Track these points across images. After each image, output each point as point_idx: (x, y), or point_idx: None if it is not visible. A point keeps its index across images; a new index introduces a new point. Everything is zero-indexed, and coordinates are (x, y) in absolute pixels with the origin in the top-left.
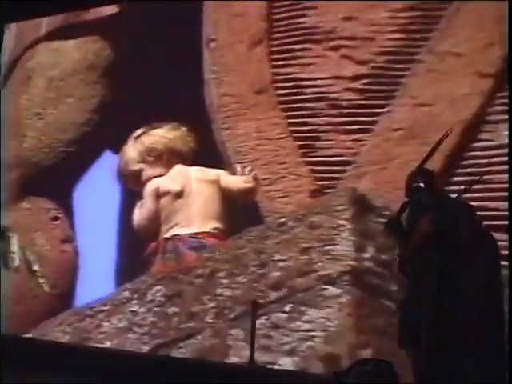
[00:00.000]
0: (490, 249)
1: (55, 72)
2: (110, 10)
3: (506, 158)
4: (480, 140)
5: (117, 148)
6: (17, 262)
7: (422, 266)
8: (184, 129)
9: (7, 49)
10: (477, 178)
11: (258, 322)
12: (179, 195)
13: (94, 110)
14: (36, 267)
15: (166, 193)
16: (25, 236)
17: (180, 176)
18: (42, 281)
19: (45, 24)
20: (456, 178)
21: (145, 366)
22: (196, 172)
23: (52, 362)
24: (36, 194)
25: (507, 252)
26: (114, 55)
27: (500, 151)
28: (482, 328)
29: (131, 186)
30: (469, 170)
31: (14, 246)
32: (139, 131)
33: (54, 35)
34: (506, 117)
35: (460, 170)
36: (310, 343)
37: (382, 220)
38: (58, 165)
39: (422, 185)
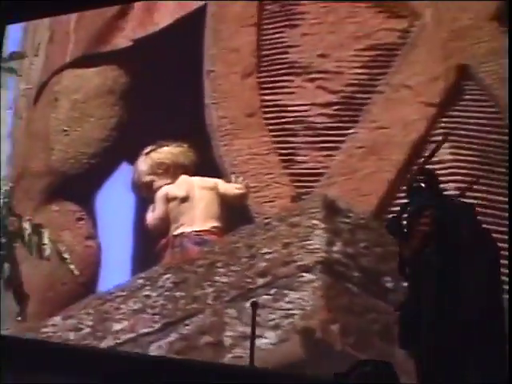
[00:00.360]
0: (490, 249)
1: (79, 95)
2: (126, 43)
3: (449, 171)
4: (424, 157)
5: (132, 160)
6: (48, 252)
7: (422, 267)
8: (186, 145)
9: (36, 76)
10: (475, 179)
11: (248, 303)
12: (184, 200)
13: (113, 128)
14: (66, 255)
15: (174, 198)
16: (54, 233)
17: (185, 184)
18: (71, 266)
19: (69, 53)
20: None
21: (145, 366)
22: (198, 181)
23: (52, 362)
24: (63, 199)
25: (507, 252)
26: (129, 82)
27: (441, 165)
28: (482, 328)
29: (144, 195)
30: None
31: (46, 238)
32: (149, 148)
33: (77, 63)
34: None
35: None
36: (290, 320)
37: (348, 220)
38: (82, 174)
39: (422, 185)
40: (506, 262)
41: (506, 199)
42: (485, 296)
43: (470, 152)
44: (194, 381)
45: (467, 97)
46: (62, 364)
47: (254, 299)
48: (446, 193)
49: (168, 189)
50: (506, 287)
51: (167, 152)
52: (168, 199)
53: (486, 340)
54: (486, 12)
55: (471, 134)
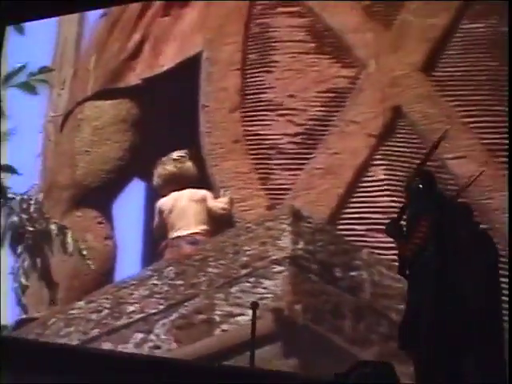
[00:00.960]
0: (489, 249)
1: (98, 122)
2: (136, 80)
3: (383, 187)
4: (367, 176)
5: (141, 176)
6: (70, 249)
7: (421, 268)
8: (187, 161)
9: (63, 106)
10: (470, 181)
11: (233, 289)
12: (173, 210)
13: (126, 150)
14: (85, 252)
15: (168, 209)
16: (79, 234)
17: (173, 198)
18: (88, 262)
19: (90, 88)
20: (352, 204)
21: (144, 366)
22: (188, 193)
23: (52, 362)
24: (86, 206)
25: (507, 253)
26: (139, 113)
27: (379, 183)
28: (482, 328)
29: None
30: (361, 196)
31: (69, 238)
32: (166, 158)
33: (97, 96)
34: (384, 162)
35: (355, 198)
36: (264, 301)
37: (309, 225)
38: (101, 186)
39: (420, 186)
40: (505, 261)
41: (506, 199)
42: (484, 296)
43: (400, 173)
44: (194, 381)
45: (400, 130)
46: (62, 364)
47: (255, 300)
48: (445, 194)
49: (160, 203)
50: (506, 287)
51: (176, 165)
52: (160, 211)
53: (485, 340)
54: (415, 65)
55: (401, 158)
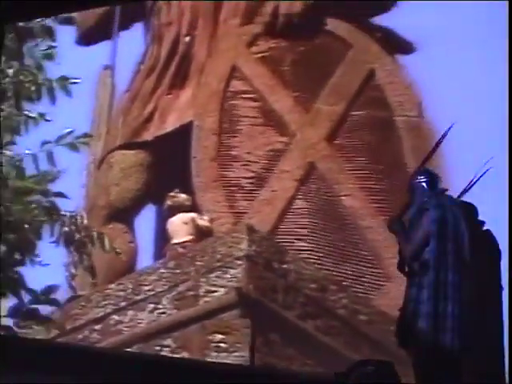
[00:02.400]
0: (491, 248)
1: (124, 165)
2: (150, 137)
3: (304, 212)
4: (293, 204)
5: (154, 202)
6: (107, 247)
7: (422, 265)
8: (183, 195)
9: (99, 152)
10: (474, 181)
11: (211, 275)
12: (173, 227)
13: (143, 184)
14: (118, 250)
15: (169, 227)
16: (111, 241)
17: (173, 220)
18: (120, 256)
19: (118, 141)
20: (284, 222)
21: (144, 365)
22: (181, 216)
23: (52, 362)
24: (116, 221)
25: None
26: (152, 159)
27: (300, 209)
28: (482, 327)
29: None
30: (290, 217)
31: (106, 241)
32: (171, 193)
33: (123, 147)
34: (303, 196)
35: (286, 218)
36: (230, 283)
37: (258, 235)
38: (126, 208)
39: (423, 184)
40: (506, 261)
41: (507, 200)
42: (485, 295)
43: (313, 202)
44: (194, 381)
45: (313, 177)
46: (61, 364)
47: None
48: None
49: (169, 222)
50: (506, 287)
51: (181, 197)
52: (167, 228)
53: (485, 339)
54: (323, 136)
55: (315, 195)
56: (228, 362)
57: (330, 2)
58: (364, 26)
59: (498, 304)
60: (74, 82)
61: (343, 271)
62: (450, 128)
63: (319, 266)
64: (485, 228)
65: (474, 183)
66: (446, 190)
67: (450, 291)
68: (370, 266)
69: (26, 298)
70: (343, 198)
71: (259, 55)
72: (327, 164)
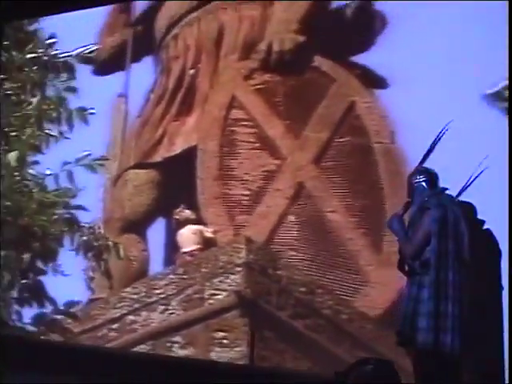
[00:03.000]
0: (491, 247)
1: (136, 182)
2: (159, 158)
3: (294, 226)
4: (285, 220)
5: (163, 215)
6: (121, 256)
7: (422, 264)
8: (188, 211)
9: (115, 171)
10: (471, 180)
11: (215, 280)
12: (183, 238)
13: (153, 199)
14: (132, 257)
15: (178, 238)
16: (126, 249)
17: (183, 231)
18: (134, 263)
19: (131, 161)
20: (278, 235)
21: (145, 365)
22: (190, 227)
23: (52, 361)
24: (130, 232)
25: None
26: (161, 178)
27: (291, 224)
28: (482, 327)
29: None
30: (283, 231)
31: (121, 250)
32: (178, 209)
33: (135, 166)
34: (295, 213)
35: (279, 232)
36: (231, 287)
37: (255, 245)
38: (139, 221)
39: (423, 183)
40: (506, 260)
41: (507, 199)
42: (485, 295)
43: (303, 218)
44: (194, 380)
45: (302, 196)
46: (61, 364)
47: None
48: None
49: (178, 234)
50: (507, 286)
51: (186, 212)
52: (177, 239)
53: (484, 339)
54: (311, 159)
55: (304, 211)
56: (229, 355)
57: (316, 41)
58: (345, 64)
59: (498, 304)
60: (91, 113)
61: (328, 277)
62: (445, 127)
63: (308, 272)
64: (485, 227)
65: (471, 182)
66: (447, 188)
67: (451, 291)
68: (351, 272)
69: (49, 307)
70: (328, 213)
71: (255, 87)
72: (314, 184)
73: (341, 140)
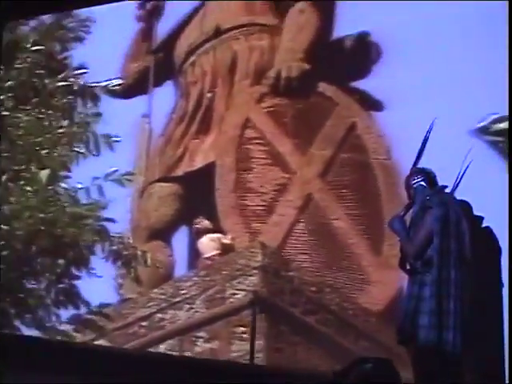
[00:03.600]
0: (490, 245)
1: (161, 194)
2: (181, 173)
3: (303, 231)
4: (296, 227)
5: (185, 224)
6: (148, 263)
7: (425, 263)
8: (207, 221)
9: (140, 185)
10: (459, 177)
11: (234, 281)
12: (203, 245)
13: (176, 210)
14: (158, 265)
15: (200, 245)
16: (153, 254)
17: (203, 239)
18: (160, 269)
19: (156, 175)
20: (289, 240)
21: (145, 364)
22: (210, 236)
23: (52, 361)
24: (156, 239)
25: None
26: (183, 190)
27: (300, 230)
28: (482, 325)
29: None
30: (294, 237)
31: (148, 258)
32: (198, 219)
33: (159, 180)
34: (303, 220)
35: (291, 238)
36: (249, 287)
37: (268, 250)
38: (164, 229)
39: (422, 183)
40: (506, 260)
41: (506, 198)
42: (485, 292)
43: (309, 226)
44: (194, 378)
45: (309, 206)
46: (61, 364)
47: (253, 297)
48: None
49: (199, 242)
50: (507, 285)
51: (205, 222)
52: (198, 247)
53: (485, 337)
54: (317, 173)
55: (311, 219)
56: (248, 348)
57: (320, 69)
58: (346, 89)
59: (499, 301)
60: (116, 141)
61: (335, 277)
62: (432, 124)
63: (316, 273)
64: (484, 224)
65: (460, 179)
66: (446, 186)
67: (453, 289)
68: (354, 273)
69: (83, 309)
70: (333, 221)
71: (267, 110)
72: (321, 195)
73: (343, 156)
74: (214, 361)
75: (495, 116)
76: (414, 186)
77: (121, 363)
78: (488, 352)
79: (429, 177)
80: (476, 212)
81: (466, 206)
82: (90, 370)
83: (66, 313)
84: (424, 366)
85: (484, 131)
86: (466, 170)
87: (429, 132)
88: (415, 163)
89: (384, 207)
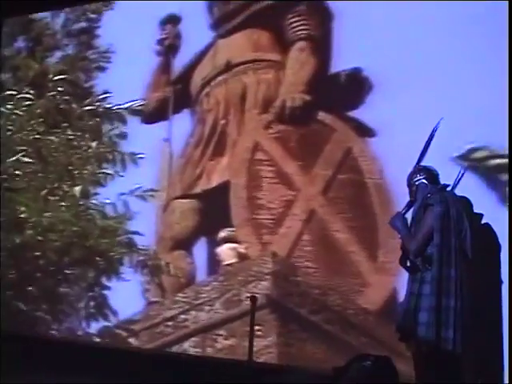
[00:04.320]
0: (490, 242)
1: (182, 209)
2: (199, 190)
3: (306, 241)
4: (302, 238)
5: (205, 235)
6: (172, 272)
7: (426, 260)
8: (230, 232)
9: (163, 200)
10: (461, 174)
11: (249, 285)
12: (223, 254)
13: (197, 221)
14: (179, 273)
15: (219, 254)
16: (176, 262)
17: (221, 249)
18: (181, 278)
19: (177, 193)
20: (296, 250)
21: (145, 364)
22: (228, 245)
23: (52, 361)
24: (179, 249)
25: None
26: (201, 206)
27: (305, 241)
28: (481, 325)
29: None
30: (300, 247)
31: (171, 268)
32: (224, 231)
33: (180, 197)
34: (308, 231)
35: (298, 247)
36: (262, 291)
37: (279, 258)
38: (186, 239)
39: (424, 181)
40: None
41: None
42: (485, 289)
43: (312, 236)
44: (194, 377)
45: (312, 220)
46: (61, 364)
47: (253, 294)
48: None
49: (220, 250)
50: (506, 281)
51: (226, 232)
52: (218, 255)
53: (485, 338)
54: (320, 191)
55: (317, 232)
56: (263, 343)
57: (320, 99)
58: (343, 118)
59: (498, 299)
60: (141, 157)
61: (336, 281)
62: (437, 124)
63: (320, 278)
64: (484, 221)
65: (460, 178)
66: (448, 185)
67: (453, 286)
68: (354, 277)
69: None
70: (334, 232)
71: (273, 135)
72: (323, 210)
73: (341, 177)
74: (215, 361)
75: (472, 145)
76: (416, 183)
77: (122, 364)
78: (487, 349)
79: (431, 175)
80: (476, 209)
81: (466, 202)
82: (91, 369)
83: (96, 324)
84: (425, 362)
85: (463, 158)
86: (464, 174)
87: (434, 131)
88: (419, 161)
89: (378, 220)
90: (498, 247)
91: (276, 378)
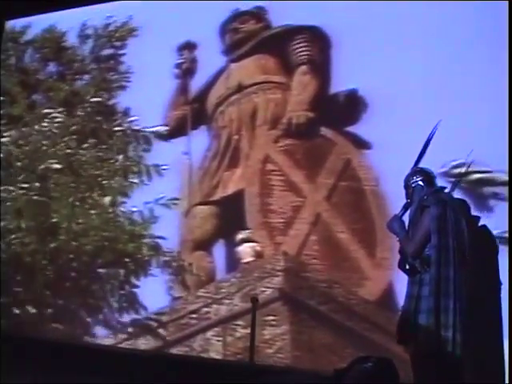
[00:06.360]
0: (488, 244)
1: (202, 215)
2: (217, 197)
3: (313, 243)
4: (308, 240)
5: (223, 238)
6: (194, 272)
7: (424, 262)
8: (248, 234)
9: (184, 208)
10: (460, 177)
11: (263, 281)
12: (242, 253)
13: (214, 225)
14: (201, 272)
15: (239, 253)
16: (197, 264)
17: (240, 248)
18: (202, 277)
19: (197, 200)
20: (305, 250)
21: (145, 364)
22: (244, 245)
23: (52, 362)
24: (199, 250)
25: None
26: (219, 211)
27: (311, 243)
28: (481, 324)
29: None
30: (308, 248)
31: (194, 268)
32: (242, 233)
33: (200, 203)
34: (313, 235)
35: (305, 247)
36: (276, 286)
37: (289, 256)
38: (205, 241)
39: (420, 183)
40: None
41: (506, 196)
42: (484, 291)
43: (319, 237)
44: (194, 377)
45: (319, 225)
46: (62, 364)
47: (255, 295)
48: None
49: (239, 249)
50: (506, 282)
51: (245, 233)
52: (238, 253)
53: (485, 338)
54: (324, 197)
55: (321, 236)
56: (276, 332)
57: (322, 116)
58: (342, 132)
59: (496, 301)
60: (164, 169)
61: (341, 276)
62: (436, 126)
63: (327, 274)
64: (481, 223)
65: (460, 179)
66: (444, 187)
67: (452, 287)
68: (355, 272)
69: (142, 313)
70: (338, 233)
71: (282, 149)
72: (327, 214)
73: (342, 184)
74: (214, 360)
75: (455, 162)
76: (413, 185)
77: (122, 364)
78: (487, 350)
79: (428, 177)
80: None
81: (463, 204)
82: (90, 369)
83: (127, 317)
84: (423, 365)
85: (446, 175)
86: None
87: (432, 134)
88: (416, 163)
89: (375, 222)
90: (496, 249)
91: (276, 378)
